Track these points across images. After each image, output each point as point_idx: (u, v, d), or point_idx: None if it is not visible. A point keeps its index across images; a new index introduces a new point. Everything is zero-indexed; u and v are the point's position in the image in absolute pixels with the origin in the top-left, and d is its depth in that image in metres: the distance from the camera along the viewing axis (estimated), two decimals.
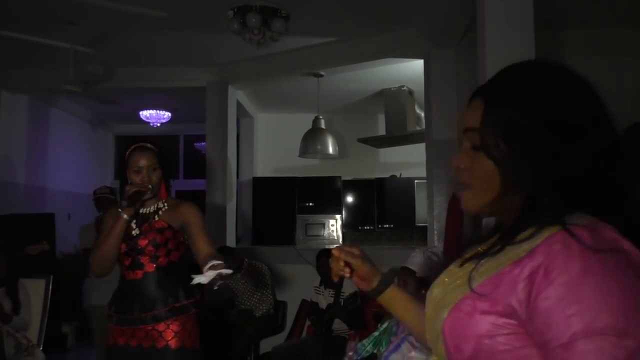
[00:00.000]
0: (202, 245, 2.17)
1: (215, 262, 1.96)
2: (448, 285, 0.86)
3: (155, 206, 2.27)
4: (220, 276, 1.93)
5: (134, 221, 2.23)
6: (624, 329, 0.63)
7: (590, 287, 0.66)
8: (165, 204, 2.29)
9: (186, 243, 2.26)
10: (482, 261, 0.79)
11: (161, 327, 2.12)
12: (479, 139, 0.82)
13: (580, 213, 0.74)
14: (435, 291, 0.89)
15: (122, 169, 2.30)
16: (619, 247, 0.69)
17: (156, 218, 2.23)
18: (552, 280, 0.67)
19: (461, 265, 0.86)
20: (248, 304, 4.50)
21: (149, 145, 2.30)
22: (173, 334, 2.12)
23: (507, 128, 0.79)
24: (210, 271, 1.92)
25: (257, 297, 4.48)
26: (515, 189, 0.79)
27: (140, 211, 2.25)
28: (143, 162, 2.23)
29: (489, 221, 1.00)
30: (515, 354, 0.72)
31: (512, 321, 0.72)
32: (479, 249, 0.86)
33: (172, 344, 2.10)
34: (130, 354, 2.13)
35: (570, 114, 0.78)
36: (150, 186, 2.19)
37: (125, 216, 2.16)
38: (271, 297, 4.51)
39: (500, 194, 0.81)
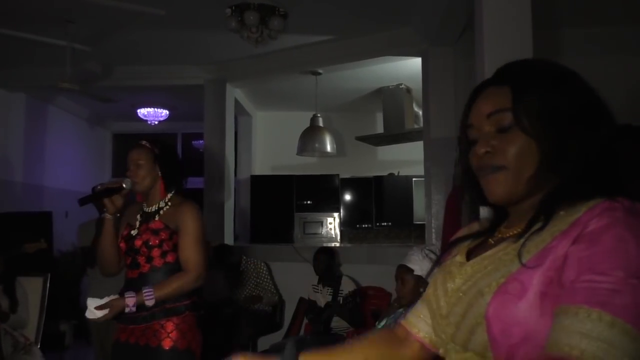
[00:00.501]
0: (183, 256, 2.15)
1: (126, 296, 2.06)
2: (476, 272, 0.84)
3: (157, 205, 2.23)
4: (106, 319, 2.05)
5: (139, 219, 2.23)
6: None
7: (633, 242, 0.69)
8: (169, 203, 2.24)
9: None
10: (526, 240, 0.79)
11: (155, 326, 2.12)
12: (511, 118, 0.84)
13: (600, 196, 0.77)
14: (457, 281, 0.87)
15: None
16: None
17: (156, 218, 2.20)
18: (589, 229, 0.72)
19: (482, 252, 0.87)
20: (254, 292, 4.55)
21: (143, 142, 2.29)
22: (166, 334, 2.11)
23: (544, 109, 0.82)
24: (99, 311, 2.02)
25: (259, 292, 4.50)
26: (553, 168, 0.82)
27: (144, 210, 2.24)
28: (131, 157, 2.24)
29: (485, 219, 1.00)
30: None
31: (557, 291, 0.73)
32: (498, 234, 0.89)
33: (165, 344, 2.09)
34: (129, 350, 2.15)
35: (597, 99, 0.84)
36: (123, 184, 2.15)
37: (108, 216, 2.16)
38: (274, 289, 4.58)
39: (534, 174, 0.83)
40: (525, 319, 0.73)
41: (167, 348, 2.09)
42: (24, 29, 4.12)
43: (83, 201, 2.09)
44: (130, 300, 2.05)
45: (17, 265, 3.89)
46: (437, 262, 1.01)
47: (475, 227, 1.01)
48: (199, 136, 6.93)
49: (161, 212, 2.22)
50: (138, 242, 2.15)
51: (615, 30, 4.22)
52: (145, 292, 2.06)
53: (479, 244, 0.94)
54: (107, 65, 5.25)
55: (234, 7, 3.79)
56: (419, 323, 1.00)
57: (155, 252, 2.15)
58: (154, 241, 2.14)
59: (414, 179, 6.58)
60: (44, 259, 4.62)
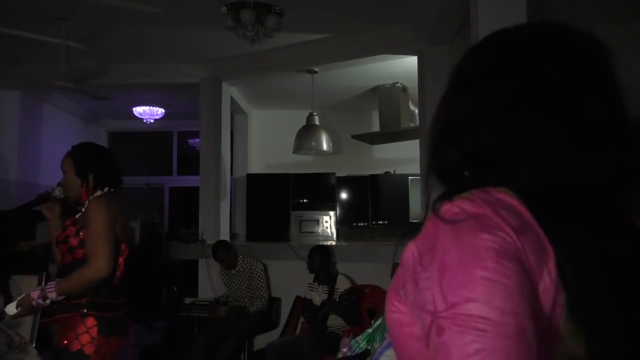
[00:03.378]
0: (85, 249, 2.11)
1: (35, 291, 2.07)
2: None
3: (84, 207, 2.22)
4: (19, 315, 2.08)
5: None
6: (477, 299, 0.55)
7: (446, 261, 0.59)
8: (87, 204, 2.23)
9: None
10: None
11: (60, 323, 2.11)
12: None
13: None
14: None
15: None
16: (474, 214, 0.61)
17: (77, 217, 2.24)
18: (424, 265, 0.62)
19: None
20: (242, 300, 4.50)
21: (71, 148, 2.31)
22: (63, 332, 2.09)
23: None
24: (13, 309, 2.06)
25: (251, 294, 4.48)
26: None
27: (77, 216, 2.24)
28: (61, 165, 2.29)
29: None
30: (404, 330, 0.68)
31: (404, 306, 0.67)
32: None
33: (59, 342, 2.08)
34: None
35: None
36: (54, 192, 2.27)
37: (49, 222, 2.27)
38: (265, 294, 4.51)
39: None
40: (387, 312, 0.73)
41: (60, 347, 2.06)
42: (18, 27, 4.10)
43: (16, 211, 2.24)
44: (35, 294, 2.06)
45: (11, 263, 3.88)
46: None
47: None
48: (195, 134, 6.93)
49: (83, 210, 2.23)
50: (60, 238, 2.21)
51: (614, 29, 4.23)
52: (48, 286, 2.06)
53: None
54: (102, 63, 5.23)
55: (229, 5, 3.78)
56: None
57: (63, 248, 2.17)
58: (61, 237, 2.18)
59: (409, 177, 6.59)
60: (38, 257, 4.60)
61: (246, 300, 4.49)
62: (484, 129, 0.69)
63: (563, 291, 0.59)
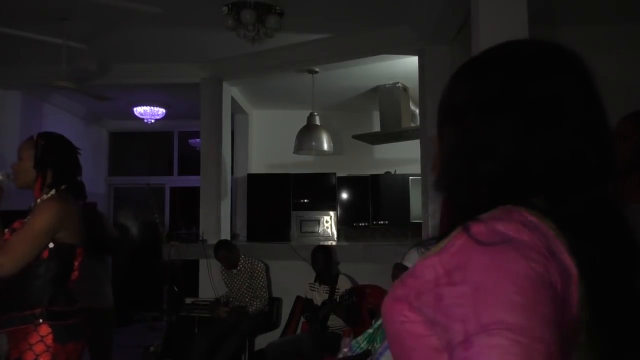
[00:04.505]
0: (8, 242, 1.97)
1: None
2: None
3: (35, 203, 2.09)
4: None
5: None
6: (511, 322, 0.57)
7: (482, 282, 0.60)
8: (39, 201, 2.08)
9: (49, 247, 1.99)
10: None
11: (15, 335, 1.94)
12: None
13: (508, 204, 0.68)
14: None
15: None
16: (510, 238, 0.63)
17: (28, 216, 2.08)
18: (452, 281, 0.63)
19: None
20: (242, 300, 4.50)
21: (34, 135, 2.13)
22: (12, 343, 1.94)
23: (439, 107, 0.80)
24: None
25: (252, 294, 4.48)
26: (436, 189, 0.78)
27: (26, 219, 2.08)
28: (17, 150, 2.11)
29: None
30: (421, 341, 0.68)
31: (418, 316, 0.67)
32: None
33: (10, 355, 1.93)
34: None
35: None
36: (1, 177, 2.09)
37: None
38: (266, 294, 4.51)
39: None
40: (391, 322, 0.72)
41: None
42: (19, 27, 4.10)
43: None
44: None
45: None
46: None
47: None
48: (196, 135, 6.92)
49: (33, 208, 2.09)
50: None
51: (614, 29, 4.23)
52: None
53: None
54: (103, 64, 5.23)
55: (230, 5, 3.78)
56: None
57: None
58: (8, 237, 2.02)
59: (410, 177, 6.58)
60: None
61: (247, 300, 4.49)
62: (517, 152, 0.69)
63: (584, 311, 0.63)
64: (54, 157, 2.09)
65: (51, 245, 1.99)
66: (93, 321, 3.42)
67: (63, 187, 2.09)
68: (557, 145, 0.68)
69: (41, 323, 1.92)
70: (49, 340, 1.91)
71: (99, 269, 3.55)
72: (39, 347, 1.90)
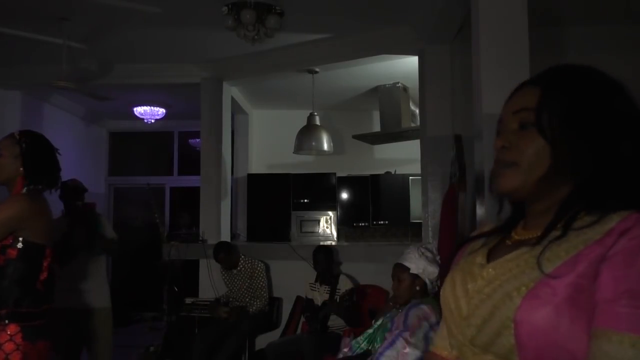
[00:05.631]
0: None
1: None
2: (500, 275, 0.84)
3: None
4: None
5: None
6: None
7: None
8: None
9: (18, 247, 1.98)
10: (544, 249, 0.80)
11: None
12: (533, 118, 0.86)
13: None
14: (479, 283, 0.87)
15: None
16: None
17: None
18: (624, 244, 0.72)
19: (501, 254, 0.88)
20: (243, 300, 4.50)
21: (15, 132, 2.14)
22: None
23: (567, 113, 0.84)
24: None
25: (252, 294, 4.48)
26: (565, 173, 0.84)
27: None
28: None
29: (482, 217, 1.00)
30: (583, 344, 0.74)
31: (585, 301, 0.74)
32: (515, 236, 0.91)
33: None
34: None
35: (625, 107, 0.85)
36: None
37: None
38: (266, 294, 4.51)
39: (545, 175, 0.84)
40: (554, 324, 0.74)
41: None
42: (19, 27, 4.10)
43: None
44: None
45: None
46: (445, 261, 1.02)
47: (486, 226, 1.02)
48: (196, 135, 6.93)
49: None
50: None
51: (616, 28, 4.22)
52: None
53: (496, 245, 0.94)
54: (103, 64, 5.23)
55: (230, 5, 3.78)
56: (447, 343, 1.00)
57: None
58: None
59: (410, 177, 6.59)
60: None
61: (247, 300, 4.49)
62: None
63: None
64: (37, 155, 2.11)
65: (20, 245, 1.98)
66: (90, 321, 3.45)
67: (39, 186, 2.10)
68: None
69: (7, 323, 1.91)
70: (18, 338, 1.91)
71: (98, 269, 3.55)
72: (9, 346, 1.89)
